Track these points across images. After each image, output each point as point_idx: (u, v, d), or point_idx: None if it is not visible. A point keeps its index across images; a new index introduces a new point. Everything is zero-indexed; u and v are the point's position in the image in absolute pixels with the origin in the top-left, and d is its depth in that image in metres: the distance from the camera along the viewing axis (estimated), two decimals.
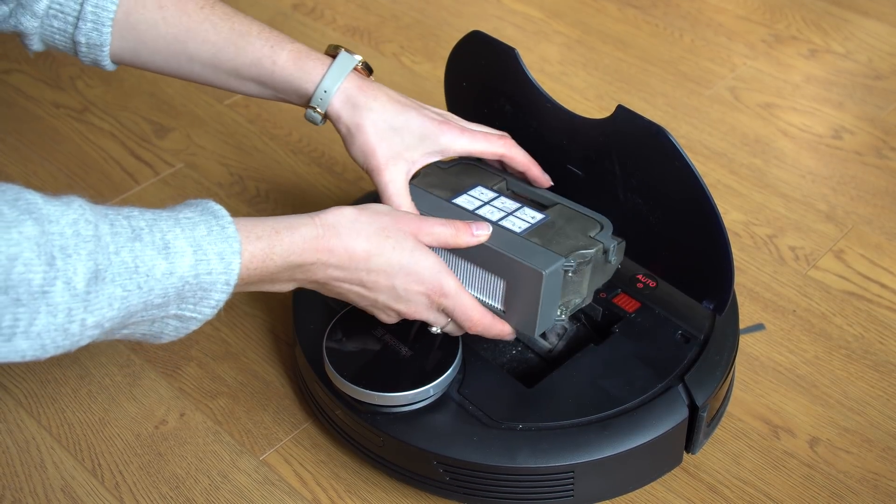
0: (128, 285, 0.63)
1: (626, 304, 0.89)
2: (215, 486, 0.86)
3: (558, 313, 0.81)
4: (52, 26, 0.84)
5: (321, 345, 0.84)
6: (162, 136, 1.24)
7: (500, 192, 0.87)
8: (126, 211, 0.66)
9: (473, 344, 0.85)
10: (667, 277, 0.87)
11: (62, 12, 0.83)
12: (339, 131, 0.85)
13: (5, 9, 0.82)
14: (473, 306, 0.79)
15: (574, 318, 0.90)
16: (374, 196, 1.01)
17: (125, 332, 0.67)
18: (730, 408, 0.91)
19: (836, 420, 0.91)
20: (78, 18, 0.83)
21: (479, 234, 0.79)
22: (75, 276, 0.60)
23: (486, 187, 0.87)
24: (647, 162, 0.82)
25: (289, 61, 0.84)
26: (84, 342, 0.63)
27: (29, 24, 0.83)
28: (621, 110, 0.81)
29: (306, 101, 0.84)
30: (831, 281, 1.04)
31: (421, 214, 0.82)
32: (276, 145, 1.22)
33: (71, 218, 0.61)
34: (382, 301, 0.78)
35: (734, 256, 0.83)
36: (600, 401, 0.81)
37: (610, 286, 0.89)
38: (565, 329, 0.89)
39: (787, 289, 1.03)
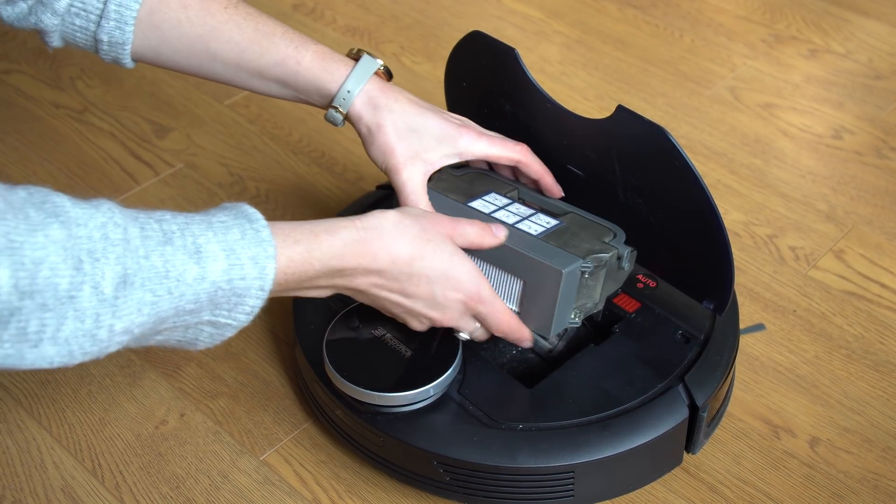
0: (158, 290, 0.62)
1: (627, 304, 0.89)
2: (215, 486, 0.86)
3: (572, 316, 0.81)
4: (74, 24, 0.84)
5: (321, 345, 0.84)
6: (162, 136, 1.24)
7: (513, 200, 0.87)
8: (158, 214, 0.64)
9: (473, 344, 0.85)
10: (667, 277, 0.87)
11: (84, 10, 0.83)
12: (359, 132, 0.85)
13: (23, 6, 0.82)
14: (504, 310, 0.79)
15: None
16: (374, 196, 1.01)
17: (158, 338, 0.66)
18: (730, 408, 0.91)
19: (837, 420, 0.91)
20: (101, 17, 0.83)
21: (500, 236, 0.79)
22: (103, 281, 0.59)
23: (500, 194, 0.87)
24: (647, 162, 0.82)
25: (313, 62, 0.84)
26: (113, 348, 0.61)
27: (49, 21, 0.83)
28: (621, 110, 0.81)
29: (328, 102, 0.85)
30: (831, 281, 1.04)
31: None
32: (277, 145, 1.22)
33: (99, 221, 0.60)
34: (418, 308, 0.77)
35: (734, 256, 0.83)
36: (600, 401, 0.81)
37: None
38: (565, 329, 0.89)
39: (788, 289, 1.03)
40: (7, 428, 0.90)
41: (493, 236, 0.78)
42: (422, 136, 0.84)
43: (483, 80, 0.93)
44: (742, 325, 0.97)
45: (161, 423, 0.91)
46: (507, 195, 0.88)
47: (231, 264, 0.65)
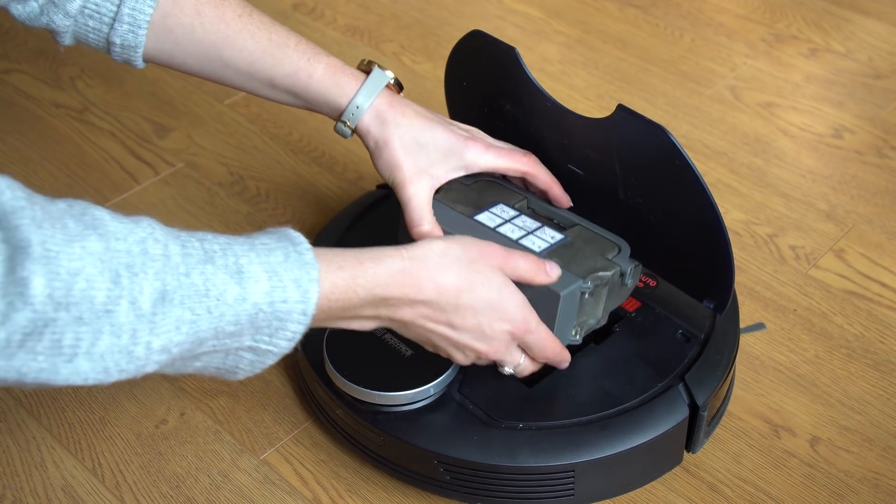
0: (197, 308, 0.60)
1: (627, 303, 0.89)
2: (216, 485, 0.86)
3: (573, 333, 0.81)
4: (87, 25, 0.84)
5: (321, 344, 0.84)
6: (162, 135, 1.24)
7: (521, 211, 0.87)
8: (199, 234, 0.63)
9: None
10: (667, 277, 0.87)
11: (98, 13, 0.83)
12: (366, 146, 0.86)
13: (34, 5, 0.82)
14: (550, 336, 0.78)
15: None
16: (374, 195, 1.01)
17: (197, 364, 0.64)
18: (730, 407, 0.91)
19: (837, 419, 0.91)
20: (114, 20, 0.83)
21: (552, 275, 0.77)
22: (141, 296, 0.57)
23: (508, 205, 0.87)
24: (647, 161, 0.82)
25: (324, 75, 0.84)
26: (150, 368, 0.60)
27: (61, 22, 0.83)
28: (621, 110, 0.81)
29: (338, 115, 0.85)
30: (832, 280, 1.04)
31: (444, 230, 0.83)
32: (277, 145, 1.22)
33: (139, 236, 0.59)
34: (465, 341, 0.75)
35: (734, 256, 0.83)
36: (601, 400, 0.81)
37: None
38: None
39: (788, 288, 1.03)
40: (7, 427, 0.90)
41: (546, 274, 0.76)
42: (428, 151, 0.84)
43: (483, 80, 0.93)
44: (742, 325, 0.97)
45: (161, 422, 0.91)
46: (516, 206, 0.88)
47: (273, 286, 0.63)
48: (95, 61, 1.34)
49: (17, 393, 0.93)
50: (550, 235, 0.84)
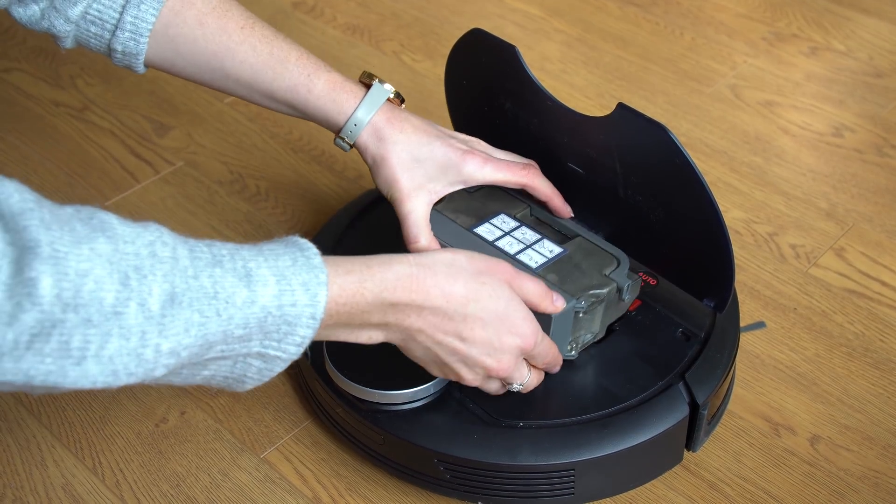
0: (206, 311, 0.60)
1: None
2: (216, 484, 0.86)
3: (568, 349, 0.82)
4: (89, 31, 0.84)
5: (322, 343, 0.84)
6: (162, 134, 1.24)
7: (523, 221, 0.87)
8: (207, 241, 0.63)
9: None
10: (667, 275, 0.87)
11: (100, 19, 0.83)
12: (365, 161, 0.86)
13: (35, 9, 0.83)
14: (553, 345, 0.78)
15: None
16: (374, 194, 1.01)
17: (205, 373, 0.64)
18: (730, 405, 0.91)
19: (837, 418, 0.91)
20: (116, 27, 0.83)
21: (557, 305, 0.77)
22: (150, 298, 0.57)
23: (509, 215, 0.87)
24: (647, 160, 0.82)
25: (323, 91, 0.84)
26: (159, 372, 0.59)
27: (62, 27, 0.83)
28: (622, 108, 0.81)
29: (337, 131, 0.86)
30: (832, 279, 1.04)
31: (443, 243, 0.84)
32: (277, 143, 1.22)
33: (147, 239, 0.59)
34: (474, 355, 0.74)
35: (735, 254, 0.83)
36: (601, 399, 0.81)
37: None
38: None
39: (788, 286, 1.03)
40: (7, 426, 0.90)
41: (552, 304, 0.77)
42: (426, 167, 0.84)
43: (483, 78, 0.93)
44: (742, 323, 0.97)
45: (161, 421, 0.91)
46: (518, 215, 0.88)
47: (282, 290, 0.63)
48: (95, 60, 1.34)
49: (18, 392, 0.93)
50: (549, 249, 0.84)
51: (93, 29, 0.84)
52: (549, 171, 0.90)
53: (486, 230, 0.86)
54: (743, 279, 1.04)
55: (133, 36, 0.84)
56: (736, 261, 0.84)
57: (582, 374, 0.83)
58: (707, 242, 0.80)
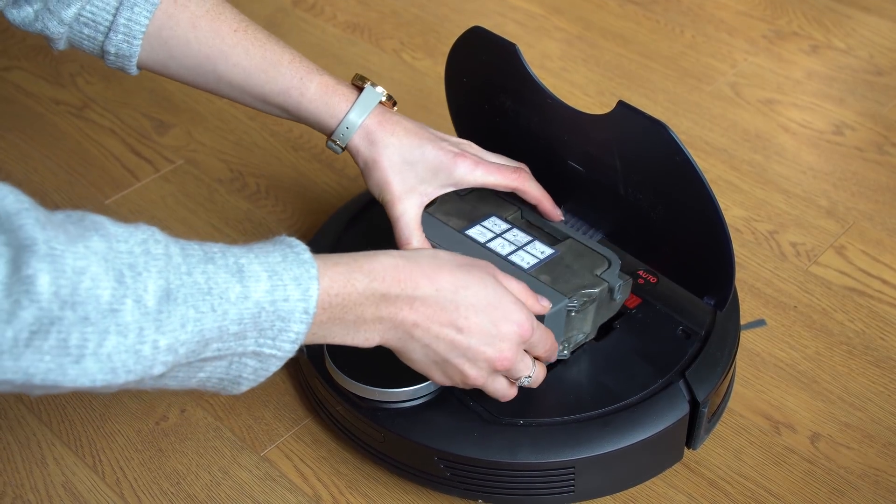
0: (201, 306, 0.60)
1: (627, 299, 0.89)
2: (216, 481, 0.86)
3: (561, 349, 0.82)
4: (82, 33, 0.84)
5: None
6: (162, 132, 1.24)
7: (514, 223, 0.88)
8: (197, 241, 0.64)
9: None
10: (668, 273, 0.87)
11: (94, 21, 0.83)
12: (357, 164, 0.86)
13: (29, 10, 0.83)
14: (549, 332, 0.78)
15: None
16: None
17: (201, 375, 0.64)
18: (731, 403, 0.91)
19: (837, 416, 0.91)
20: (109, 29, 0.84)
21: (544, 305, 0.78)
22: (146, 294, 0.58)
23: (500, 217, 0.88)
24: (647, 158, 0.82)
25: (316, 95, 0.85)
26: (157, 370, 0.60)
27: (56, 29, 0.84)
28: (622, 106, 0.81)
29: (329, 134, 0.86)
30: (832, 277, 1.04)
31: (433, 245, 0.84)
32: (277, 142, 1.22)
33: (140, 238, 0.59)
34: (475, 345, 0.73)
35: (735, 252, 0.83)
36: (601, 396, 0.81)
37: None
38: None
39: (788, 285, 1.03)
40: (8, 424, 0.90)
41: (538, 304, 0.77)
42: (417, 169, 0.84)
43: (484, 76, 0.93)
44: (743, 321, 0.97)
45: (162, 419, 0.91)
46: (509, 218, 0.88)
47: (274, 285, 0.63)
48: (95, 59, 1.34)
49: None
50: (540, 251, 0.84)
51: (86, 31, 0.84)
52: (549, 170, 0.90)
53: (477, 232, 0.86)
54: (743, 277, 1.04)
55: (126, 38, 0.84)
56: (736, 259, 0.84)
57: (582, 371, 0.83)
58: (707, 240, 0.80)
